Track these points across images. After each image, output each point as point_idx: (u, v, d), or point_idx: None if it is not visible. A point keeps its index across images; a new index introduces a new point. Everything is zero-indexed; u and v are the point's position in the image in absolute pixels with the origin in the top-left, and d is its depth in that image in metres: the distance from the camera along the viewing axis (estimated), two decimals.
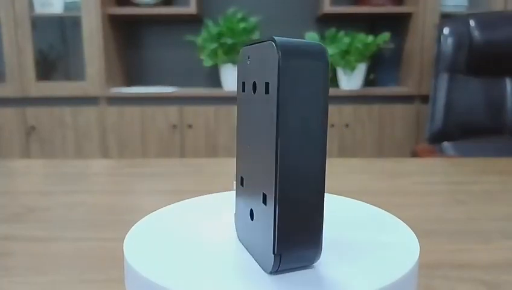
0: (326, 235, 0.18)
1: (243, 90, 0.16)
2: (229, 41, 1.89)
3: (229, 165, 0.65)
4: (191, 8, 1.94)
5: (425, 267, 0.32)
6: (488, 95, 1.51)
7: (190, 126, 1.97)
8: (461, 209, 0.45)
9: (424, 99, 1.97)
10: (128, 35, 2.23)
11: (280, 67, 0.13)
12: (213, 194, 0.23)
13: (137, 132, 1.98)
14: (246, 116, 0.16)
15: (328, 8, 1.95)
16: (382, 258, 0.15)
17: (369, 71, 2.24)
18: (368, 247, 0.16)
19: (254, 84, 0.15)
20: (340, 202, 0.21)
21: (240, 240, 0.17)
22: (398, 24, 2.20)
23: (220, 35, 1.92)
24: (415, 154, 1.46)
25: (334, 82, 2.13)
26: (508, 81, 1.53)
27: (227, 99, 1.97)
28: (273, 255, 0.14)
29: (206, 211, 0.20)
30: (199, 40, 1.96)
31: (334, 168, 0.63)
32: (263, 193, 0.15)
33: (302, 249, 0.14)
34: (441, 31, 1.50)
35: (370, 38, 1.91)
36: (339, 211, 0.20)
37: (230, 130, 1.98)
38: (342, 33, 1.97)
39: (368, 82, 2.24)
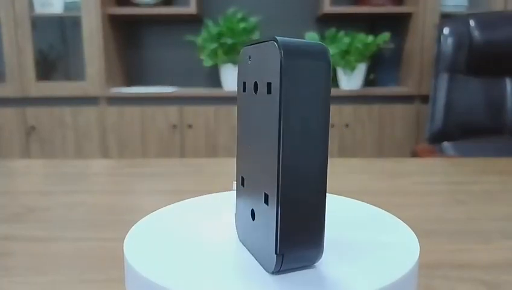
0: (326, 235, 0.18)
1: (244, 91, 0.16)
2: (229, 41, 1.89)
3: (229, 165, 0.65)
4: (191, 8, 1.94)
5: (425, 267, 0.32)
6: (488, 95, 1.51)
7: (190, 126, 1.97)
8: (461, 209, 0.45)
9: (424, 99, 1.97)
10: (128, 35, 2.23)
11: (282, 67, 0.13)
12: (213, 194, 0.23)
13: (137, 132, 1.98)
14: (247, 116, 0.16)
15: (328, 8, 1.95)
16: (382, 258, 0.15)
17: (369, 71, 2.24)
18: (368, 247, 0.16)
19: (255, 84, 0.15)
20: (340, 202, 0.21)
21: (240, 240, 0.17)
22: (398, 24, 2.20)
23: (220, 35, 1.92)
24: (415, 154, 1.46)
25: (334, 82, 2.13)
26: (508, 81, 1.53)
27: (227, 99, 1.97)
28: (275, 255, 0.14)
29: (206, 211, 0.20)
30: (199, 40, 1.96)
31: (334, 168, 0.63)
32: (265, 193, 0.15)
33: (304, 249, 0.14)
34: (441, 31, 1.50)
35: (370, 38, 1.91)
36: (339, 211, 0.20)
37: (230, 130, 1.98)
38: (342, 33, 1.97)
39: (367, 82, 2.24)
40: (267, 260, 0.14)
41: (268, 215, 0.14)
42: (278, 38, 0.13)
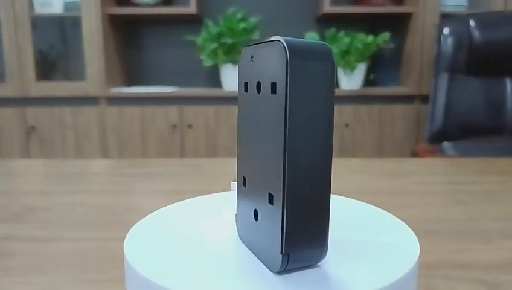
0: None
1: (245, 91, 0.16)
2: (229, 41, 1.89)
3: (229, 165, 0.65)
4: (191, 8, 1.94)
5: (425, 267, 0.32)
6: (488, 95, 1.51)
7: (190, 126, 1.97)
8: (461, 209, 0.45)
9: (424, 99, 1.97)
10: (128, 35, 2.23)
11: (288, 67, 0.13)
12: (213, 194, 0.23)
13: (137, 132, 1.98)
14: (249, 116, 0.16)
15: (328, 8, 1.95)
16: (382, 258, 0.15)
17: (369, 71, 2.24)
18: (368, 247, 0.16)
19: (258, 84, 0.15)
20: (340, 202, 0.21)
21: (241, 240, 0.17)
22: (398, 24, 2.20)
23: (220, 35, 1.92)
24: (415, 154, 1.46)
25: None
26: (508, 81, 1.53)
27: (227, 99, 1.97)
28: (281, 255, 0.14)
29: (206, 211, 0.20)
30: (199, 40, 1.96)
31: (334, 168, 0.63)
32: (269, 193, 0.15)
33: (309, 248, 0.14)
34: (441, 31, 1.50)
35: (370, 38, 1.91)
36: (340, 211, 0.20)
37: (230, 130, 1.98)
38: (342, 33, 1.97)
39: (367, 82, 2.24)
40: (272, 260, 0.14)
41: (273, 215, 0.14)
42: (283, 38, 0.13)
